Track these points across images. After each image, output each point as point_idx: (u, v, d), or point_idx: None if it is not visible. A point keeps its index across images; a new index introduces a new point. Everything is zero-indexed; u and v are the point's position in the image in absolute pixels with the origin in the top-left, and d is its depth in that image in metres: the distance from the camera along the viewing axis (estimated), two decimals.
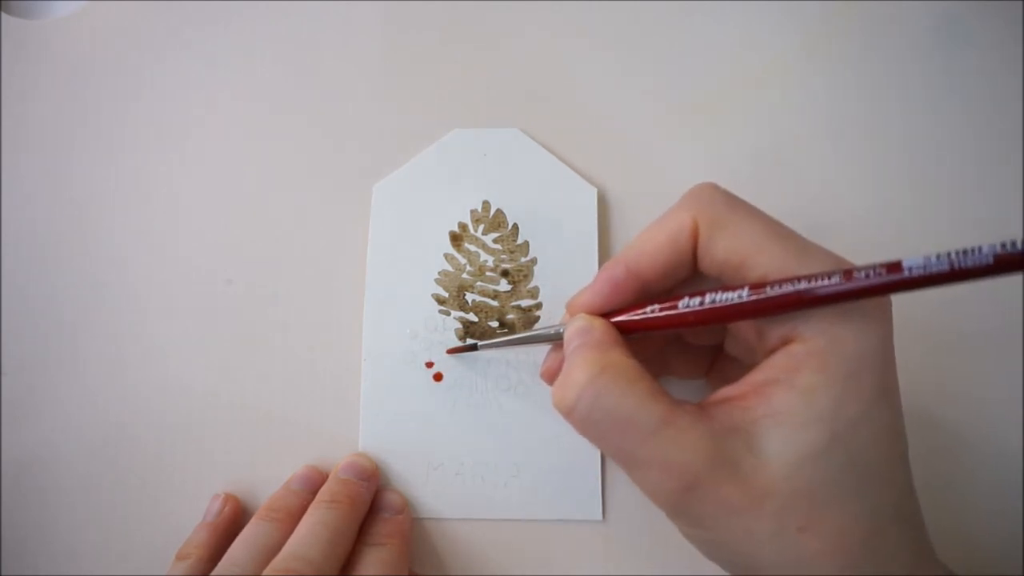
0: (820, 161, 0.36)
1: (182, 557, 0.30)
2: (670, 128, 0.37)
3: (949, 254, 0.20)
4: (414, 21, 0.38)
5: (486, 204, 0.35)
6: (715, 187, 0.25)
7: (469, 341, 0.33)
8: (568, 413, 0.23)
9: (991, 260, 0.19)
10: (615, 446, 0.23)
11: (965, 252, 0.20)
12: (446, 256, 0.34)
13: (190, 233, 0.36)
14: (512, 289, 0.34)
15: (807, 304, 0.22)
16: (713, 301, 0.23)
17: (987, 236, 0.21)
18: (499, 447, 0.32)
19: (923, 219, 0.36)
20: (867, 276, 0.21)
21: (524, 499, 0.32)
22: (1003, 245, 0.19)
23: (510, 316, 0.33)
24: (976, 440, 0.33)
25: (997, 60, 0.38)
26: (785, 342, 0.22)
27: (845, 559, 0.21)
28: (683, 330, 0.28)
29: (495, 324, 0.33)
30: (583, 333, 0.25)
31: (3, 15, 0.39)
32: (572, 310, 0.27)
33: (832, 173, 0.36)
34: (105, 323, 0.35)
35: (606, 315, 0.26)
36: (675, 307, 0.24)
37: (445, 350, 0.33)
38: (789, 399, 0.22)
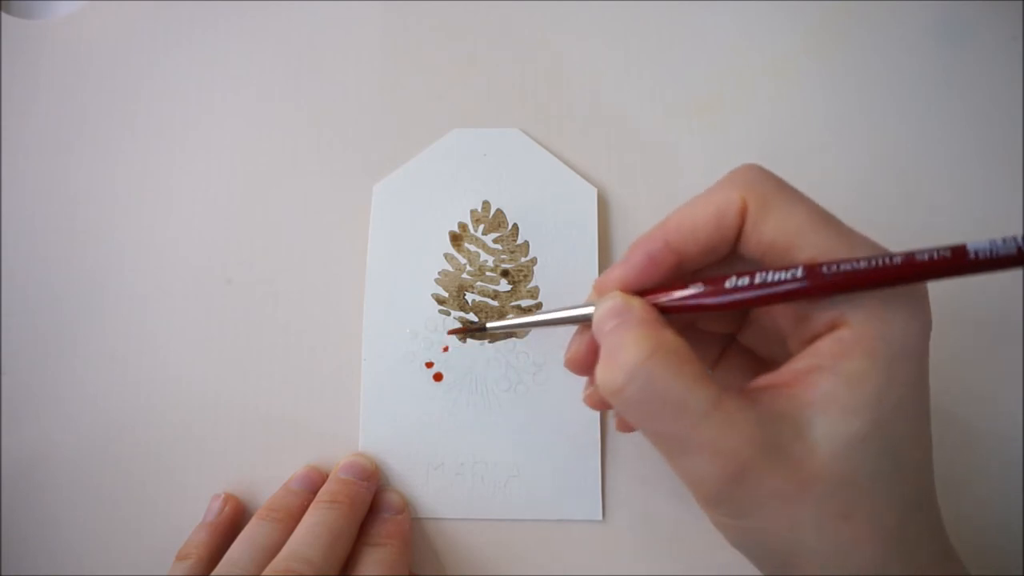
0: (820, 161, 0.36)
1: (182, 557, 0.30)
2: (670, 128, 0.37)
3: (1016, 238, 0.20)
4: (414, 21, 0.38)
5: (486, 204, 0.35)
6: (762, 168, 0.24)
7: (478, 322, 0.33)
8: (616, 394, 0.22)
9: None
10: (663, 430, 0.22)
11: None
12: (446, 256, 0.34)
13: (190, 233, 0.36)
14: (512, 289, 0.34)
15: (867, 285, 0.21)
16: (765, 281, 0.22)
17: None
18: (499, 447, 0.32)
19: (923, 218, 0.36)
20: (931, 258, 0.21)
21: (524, 499, 0.32)
22: None
23: (510, 316, 0.33)
24: (977, 436, 0.33)
25: (997, 60, 0.38)
26: (831, 328, 0.22)
27: (880, 547, 0.21)
28: (704, 314, 0.27)
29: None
30: (621, 312, 0.23)
31: (3, 15, 0.39)
32: (602, 288, 0.25)
33: (832, 173, 0.36)
34: (105, 323, 0.35)
35: (639, 294, 0.24)
36: (721, 288, 0.23)
37: (447, 331, 0.32)
38: (836, 385, 0.21)
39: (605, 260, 0.35)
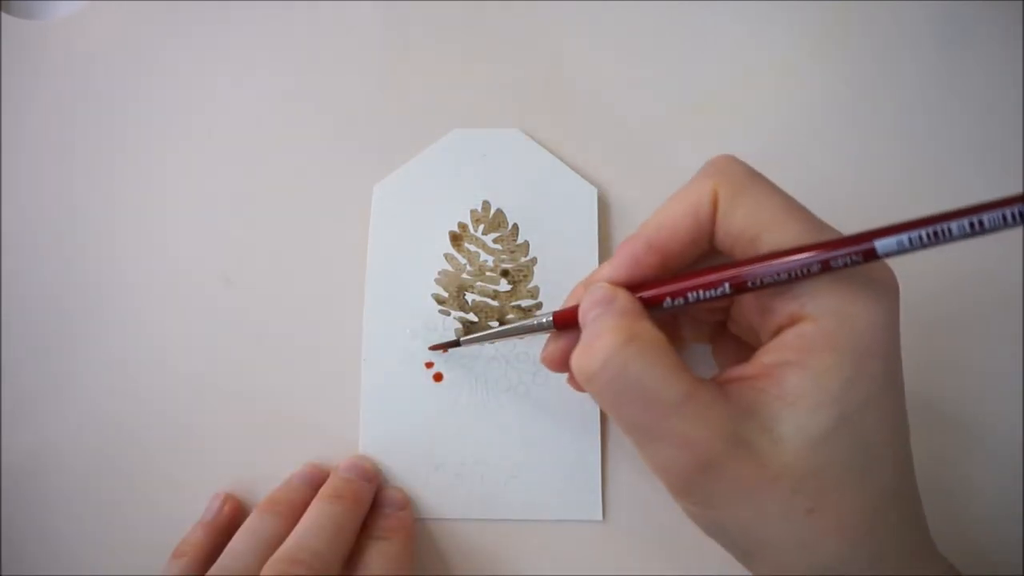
0: (820, 161, 0.36)
1: (178, 555, 0.30)
2: (671, 128, 0.37)
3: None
4: (414, 21, 0.38)
5: (486, 204, 0.35)
6: (735, 158, 0.25)
7: (454, 337, 0.33)
8: (590, 380, 0.23)
9: None
10: (633, 418, 0.23)
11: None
12: (446, 256, 0.34)
13: (189, 233, 0.36)
14: (512, 289, 0.34)
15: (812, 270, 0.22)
16: (697, 299, 0.23)
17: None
18: (499, 447, 0.32)
19: None
20: (844, 264, 0.21)
21: (524, 499, 0.32)
22: None
23: (510, 316, 0.33)
24: (975, 436, 0.33)
25: (997, 60, 0.38)
26: (793, 321, 0.22)
27: (849, 539, 0.22)
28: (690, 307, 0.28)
29: (495, 324, 0.33)
30: (605, 302, 0.24)
31: (3, 15, 0.39)
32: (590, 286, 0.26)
33: (832, 173, 0.36)
34: (105, 323, 0.35)
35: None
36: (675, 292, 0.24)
37: (428, 347, 0.33)
38: (801, 381, 0.21)
39: (605, 260, 0.34)
